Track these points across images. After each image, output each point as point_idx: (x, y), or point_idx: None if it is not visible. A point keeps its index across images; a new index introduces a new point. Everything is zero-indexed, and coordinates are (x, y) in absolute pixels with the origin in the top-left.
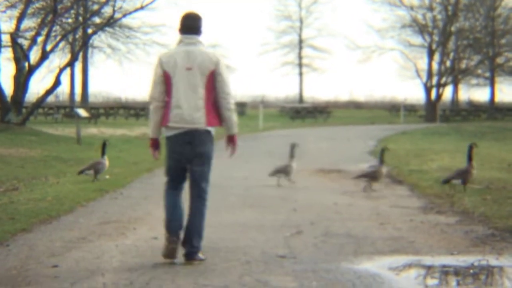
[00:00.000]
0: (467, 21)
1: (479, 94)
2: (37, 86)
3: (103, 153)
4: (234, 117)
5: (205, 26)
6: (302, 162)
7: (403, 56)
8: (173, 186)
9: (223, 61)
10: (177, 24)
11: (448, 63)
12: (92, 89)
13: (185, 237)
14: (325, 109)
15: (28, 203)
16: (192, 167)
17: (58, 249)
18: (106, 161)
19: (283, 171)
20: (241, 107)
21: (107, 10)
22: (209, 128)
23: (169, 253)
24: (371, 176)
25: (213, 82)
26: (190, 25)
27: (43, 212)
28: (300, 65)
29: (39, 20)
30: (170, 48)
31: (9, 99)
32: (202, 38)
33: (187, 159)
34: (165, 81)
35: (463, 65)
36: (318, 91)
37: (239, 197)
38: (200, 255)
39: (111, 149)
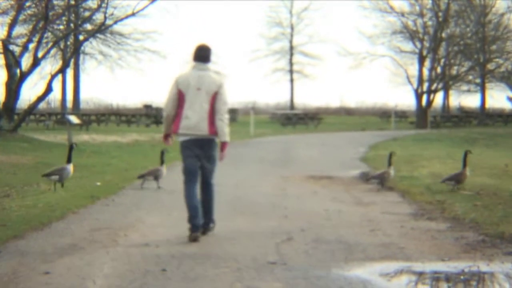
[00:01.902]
0: (458, 27)
1: (470, 100)
2: (29, 92)
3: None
4: (225, 128)
5: (210, 54)
6: (292, 168)
7: (394, 62)
8: (190, 182)
9: (225, 84)
10: (191, 53)
11: (439, 69)
12: (83, 95)
13: (203, 213)
14: (316, 115)
15: (20, 210)
16: (204, 165)
17: (49, 256)
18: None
19: None
20: (232, 113)
21: (99, 17)
22: (214, 137)
23: (193, 240)
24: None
25: (215, 100)
26: (202, 55)
27: (35, 219)
28: (291, 71)
29: (30, 26)
30: (184, 71)
31: (0, 106)
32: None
33: (199, 159)
34: (179, 97)
35: (453, 71)
36: (309, 97)
37: (229, 204)
38: (212, 224)
39: (103, 156)
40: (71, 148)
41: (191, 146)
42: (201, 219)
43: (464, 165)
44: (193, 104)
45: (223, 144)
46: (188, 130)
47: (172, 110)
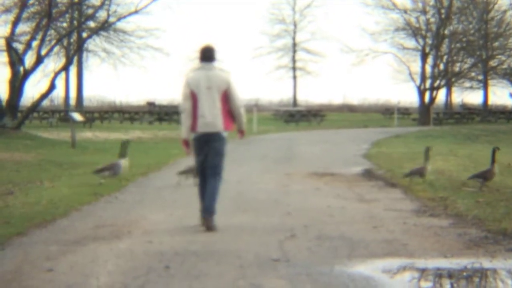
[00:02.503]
0: (461, 24)
1: (473, 97)
2: (32, 90)
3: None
4: (242, 119)
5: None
6: (295, 165)
7: (396, 59)
8: (203, 181)
9: (233, 80)
10: (198, 54)
11: (441, 66)
12: (86, 93)
13: (206, 200)
14: (319, 112)
15: (23, 207)
16: (212, 158)
17: (53, 253)
18: (124, 163)
19: None
20: None
21: (102, 14)
22: (223, 132)
23: (209, 228)
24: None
25: (226, 97)
26: (208, 55)
27: (38, 216)
28: (294, 68)
29: (34, 24)
30: (193, 71)
31: (4, 103)
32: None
33: (207, 154)
34: (192, 97)
35: (456, 68)
36: (312, 94)
37: (232, 200)
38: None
39: (106, 153)
40: (124, 143)
41: (202, 142)
42: (215, 210)
43: (493, 161)
44: (206, 103)
45: (241, 131)
46: (205, 127)
47: (189, 109)
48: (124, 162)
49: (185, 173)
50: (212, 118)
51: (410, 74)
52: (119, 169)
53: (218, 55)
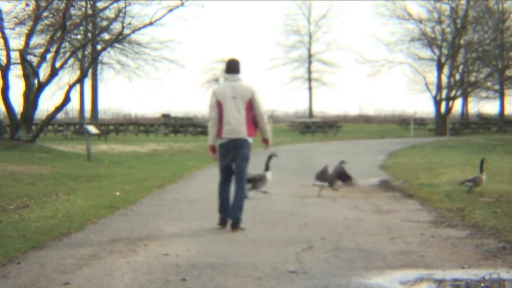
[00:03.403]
0: (476, 33)
1: (489, 107)
2: (47, 103)
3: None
4: (267, 128)
5: (240, 66)
6: (312, 176)
7: (412, 69)
8: (224, 180)
9: (257, 91)
10: (224, 67)
11: (457, 76)
12: (101, 105)
13: (231, 211)
14: (335, 123)
15: (39, 220)
16: (237, 163)
17: (69, 266)
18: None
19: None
20: None
21: (116, 26)
22: (248, 137)
23: (222, 225)
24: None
25: (250, 106)
26: (233, 67)
27: (54, 230)
28: (310, 79)
29: (48, 36)
30: (219, 83)
31: (19, 116)
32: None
33: (232, 158)
34: (218, 107)
35: (472, 78)
36: (327, 105)
37: (248, 212)
38: (241, 225)
39: (121, 166)
40: (270, 157)
41: (227, 148)
42: (229, 212)
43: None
44: (231, 111)
45: (265, 139)
46: (230, 134)
47: (215, 117)
48: (268, 175)
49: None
50: (236, 125)
51: (426, 84)
52: (264, 181)
53: (242, 67)
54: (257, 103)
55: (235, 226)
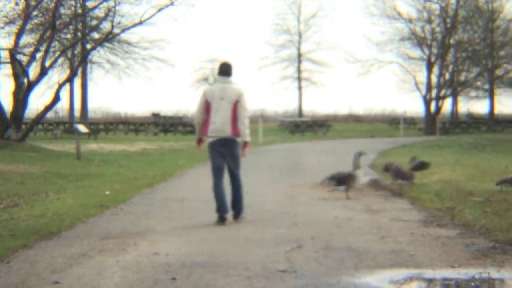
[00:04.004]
0: (466, 33)
1: (479, 107)
2: (37, 102)
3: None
4: (245, 130)
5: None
6: (302, 176)
7: (402, 69)
8: (217, 177)
9: (245, 93)
10: (216, 68)
11: (447, 76)
12: (91, 104)
13: (233, 204)
14: (325, 122)
15: (29, 219)
16: (229, 162)
17: (59, 265)
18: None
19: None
20: None
21: (106, 26)
22: (236, 137)
23: (220, 223)
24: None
25: (235, 107)
26: (225, 70)
27: (44, 228)
28: (299, 79)
29: (38, 36)
30: (209, 82)
31: (8, 115)
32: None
33: (224, 157)
34: (206, 107)
35: (462, 77)
36: (317, 104)
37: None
38: (243, 215)
39: (111, 165)
40: (359, 154)
41: (216, 146)
42: (227, 209)
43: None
44: (218, 111)
45: (245, 144)
46: (215, 132)
47: (201, 117)
48: (358, 173)
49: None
50: (221, 125)
51: (415, 83)
52: (355, 180)
53: (234, 70)
54: (241, 104)
55: (238, 215)
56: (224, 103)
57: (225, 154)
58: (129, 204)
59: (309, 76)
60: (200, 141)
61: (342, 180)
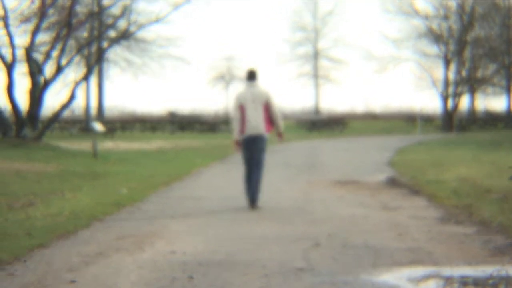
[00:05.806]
0: (483, 30)
1: (496, 103)
2: (53, 100)
3: None
4: (281, 124)
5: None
6: (318, 173)
7: (419, 66)
8: (248, 169)
9: (271, 94)
10: (244, 75)
11: (464, 73)
12: (107, 103)
13: (252, 193)
14: (341, 120)
15: (45, 218)
16: (255, 155)
17: (75, 264)
18: None
19: None
20: None
21: (122, 24)
22: (265, 134)
23: (252, 205)
24: None
25: (266, 107)
26: (251, 76)
27: (60, 227)
28: (316, 76)
29: (53, 34)
30: (239, 89)
31: (24, 114)
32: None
33: (252, 151)
34: (240, 109)
35: (479, 74)
36: (334, 102)
37: (255, 209)
38: (259, 204)
39: (128, 163)
40: None
41: (249, 142)
42: (253, 194)
43: None
44: (252, 112)
45: (280, 133)
46: (251, 130)
47: (239, 117)
48: None
49: None
50: (256, 123)
51: (432, 81)
52: None
53: (259, 75)
54: (271, 104)
55: (254, 202)
56: (256, 105)
57: (253, 148)
58: (146, 203)
59: (325, 74)
60: (238, 142)
61: None
